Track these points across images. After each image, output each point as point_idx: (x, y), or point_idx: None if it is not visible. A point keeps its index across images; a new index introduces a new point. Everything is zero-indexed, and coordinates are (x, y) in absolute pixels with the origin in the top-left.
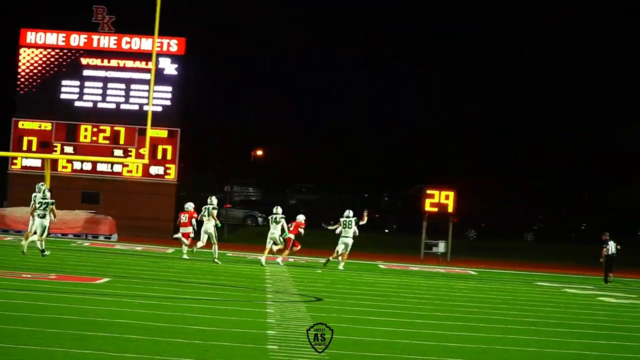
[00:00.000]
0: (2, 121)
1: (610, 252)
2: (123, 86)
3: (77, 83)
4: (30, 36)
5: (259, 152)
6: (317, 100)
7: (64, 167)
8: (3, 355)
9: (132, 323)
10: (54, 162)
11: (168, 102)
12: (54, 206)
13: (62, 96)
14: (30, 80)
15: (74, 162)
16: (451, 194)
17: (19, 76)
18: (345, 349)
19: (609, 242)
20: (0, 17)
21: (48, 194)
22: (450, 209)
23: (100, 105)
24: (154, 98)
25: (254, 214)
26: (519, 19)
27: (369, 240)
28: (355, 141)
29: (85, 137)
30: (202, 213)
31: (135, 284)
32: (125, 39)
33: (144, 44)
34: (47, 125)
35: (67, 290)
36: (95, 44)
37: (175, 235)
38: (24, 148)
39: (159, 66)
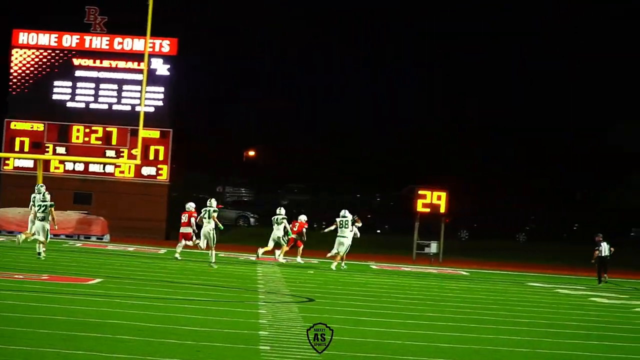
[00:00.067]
0: None
1: (603, 254)
2: (115, 87)
3: (70, 84)
4: (23, 37)
5: (251, 153)
6: (317, 100)
7: (56, 167)
8: None
9: (123, 324)
10: (46, 163)
11: (160, 103)
12: (52, 208)
13: (55, 97)
14: (23, 80)
15: (66, 163)
16: (443, 194)
17: (11, 77)
18: (337, 349)
19: (602, 244)
20: None
21: (48, 196)
22: (442, 210)
23: (92, 105)
24: (146, 99)
25: (246, 214)
26: (519, 19)
27: (360, 240)
28: (355, 141)
29: (78, 137)
30: (201, 215)
31: (128, 284)
32: (118, 39)
33: (136, 44)
34: (39, 126)
35: (59, 291)
36: (87, 45)
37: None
38: (16, 149)
39: (151, 67)
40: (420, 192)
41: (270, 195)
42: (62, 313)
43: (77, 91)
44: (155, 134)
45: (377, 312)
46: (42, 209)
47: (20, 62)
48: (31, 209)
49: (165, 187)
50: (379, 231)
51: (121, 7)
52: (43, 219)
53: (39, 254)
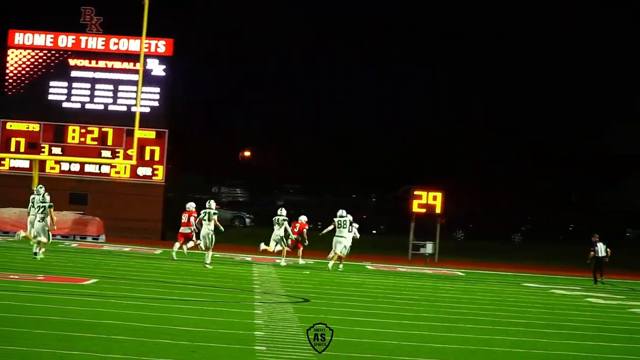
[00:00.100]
0: None
1: (599, 254)
2: (111, 87)
3: (65, 84)
4: (19, 37)
5: (247, 153)
6: (321, 102)
7: (51, 168)
8: None
9: (118, 324)
10: (42, 163)
11: (156, 103)
12: (51, 209)
13: (50, 97)
14: (18, 81)
15: (61, 163)
16: (439, 194)
17: (6, 77)
18: (333, 349)
19: (598, 244)
20: None
21: (47, 197)
22: (438, 210)
23: (88, 106)
24: (141, 99)
25: (241, 215)
26: (523, 21)
27: (356, 241)
28: (359, 143)
29: (73, 138)
30: (201, 216)
31: (123, 284)
32: (113, 40)
33: (132, 45)
34: (35, 126)
35: (54, 291)
36: (83, 45)
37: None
38: (12, 149)
39: (147, 67)
40: (416, 192)
41: (266, 195)
42: (57, 313)
43: (73, 91)
44: (151, 134)
45: (372, 312)
46: (42, 209)
47: (15, 62)
48: (29, 210)
49: (161, 187)
50: (374, 232)
51: (117, 7)
52: (42, 220)
53: (35, 254)
